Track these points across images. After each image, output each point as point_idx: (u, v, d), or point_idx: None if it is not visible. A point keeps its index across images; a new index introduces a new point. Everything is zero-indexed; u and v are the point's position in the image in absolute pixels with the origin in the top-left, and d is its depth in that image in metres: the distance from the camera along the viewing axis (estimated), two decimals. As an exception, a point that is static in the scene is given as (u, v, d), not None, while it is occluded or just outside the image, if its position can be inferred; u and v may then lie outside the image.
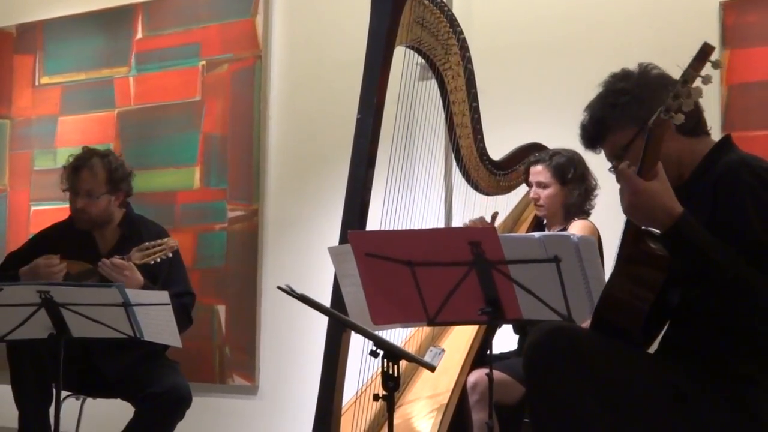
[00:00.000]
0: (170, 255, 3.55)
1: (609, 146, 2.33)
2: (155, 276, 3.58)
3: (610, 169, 2.31)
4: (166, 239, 3.57)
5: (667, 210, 2.05)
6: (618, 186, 2.14)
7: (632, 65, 2.38)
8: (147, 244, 3.53)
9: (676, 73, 2.33)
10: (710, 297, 2.10)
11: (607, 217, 3.30)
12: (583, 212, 3.58)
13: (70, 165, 3.73)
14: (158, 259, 3.52)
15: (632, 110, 2.26)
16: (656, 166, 2.07)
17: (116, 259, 3.47)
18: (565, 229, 3.50)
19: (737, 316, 2.10)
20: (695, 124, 2.23)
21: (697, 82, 2.01)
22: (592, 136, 2.35)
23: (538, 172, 3.57)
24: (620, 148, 2.28)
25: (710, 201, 2.14)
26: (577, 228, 3.45)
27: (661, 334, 2.26)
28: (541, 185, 3.56)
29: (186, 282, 3.75)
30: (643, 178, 2.06)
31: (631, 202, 2.07)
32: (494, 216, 3.51)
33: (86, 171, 3.66)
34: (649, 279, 2.11)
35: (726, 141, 2.30)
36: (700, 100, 2.06)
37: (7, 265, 3.75)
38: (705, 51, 2.00)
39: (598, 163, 3.41)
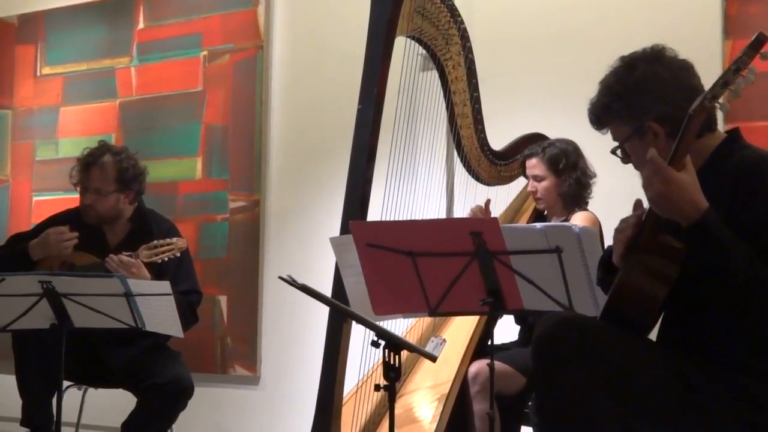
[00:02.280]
0: (178, 255, 3.55)
1: (611, 134, 2.31)
2: (163, 274, 3.56)
3: (612, 151, 2.28)
4: (175, 239, 3.56)
5: (695, 203, 2.02)
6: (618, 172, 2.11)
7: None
8: (156, 242, 3.52)
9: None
10: (723, 292, 2.06)
11: (607, 208, 3.30)
12: (582, 201, 3.57)
13: (82, 160, 3.71)
14: (166, 259, 3.52)
15: (628, 109, 2.22)
16: (686, 156, 2.04)
17: (124, 256, 3.47)
18: (566, 220, 3.49)
19: (748, 313, 2.07)
20: (702, 125, 2.15)
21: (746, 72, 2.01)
22: (597, 120, 2.31)
23: (533, 165, 3.57)
24: (620, 140, 2.26)
25: (728, 196, 2.10)
26: (578, 219, 3.44)
27: (659, 323, 2.26)
28: (537, 178, 3.56)
29: (193, 280, 3.75)
30: (673, 166, 2.02)
31: (660, 191, 2.02)
32: (487, 203, 3.51)
33: (96, 169, 3.65)
34: (663, 270, 2.08)
35: (736, 134, 2.26)
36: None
37: (12, 243, 3.75)
38: (760, 40, 1.98)
39: (597, 154, 3.44)
